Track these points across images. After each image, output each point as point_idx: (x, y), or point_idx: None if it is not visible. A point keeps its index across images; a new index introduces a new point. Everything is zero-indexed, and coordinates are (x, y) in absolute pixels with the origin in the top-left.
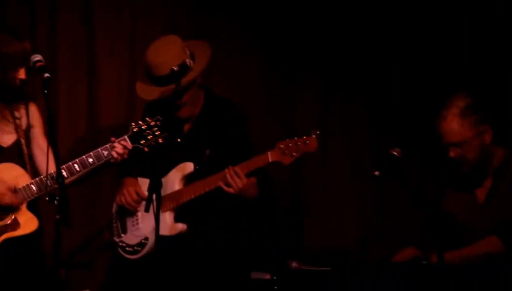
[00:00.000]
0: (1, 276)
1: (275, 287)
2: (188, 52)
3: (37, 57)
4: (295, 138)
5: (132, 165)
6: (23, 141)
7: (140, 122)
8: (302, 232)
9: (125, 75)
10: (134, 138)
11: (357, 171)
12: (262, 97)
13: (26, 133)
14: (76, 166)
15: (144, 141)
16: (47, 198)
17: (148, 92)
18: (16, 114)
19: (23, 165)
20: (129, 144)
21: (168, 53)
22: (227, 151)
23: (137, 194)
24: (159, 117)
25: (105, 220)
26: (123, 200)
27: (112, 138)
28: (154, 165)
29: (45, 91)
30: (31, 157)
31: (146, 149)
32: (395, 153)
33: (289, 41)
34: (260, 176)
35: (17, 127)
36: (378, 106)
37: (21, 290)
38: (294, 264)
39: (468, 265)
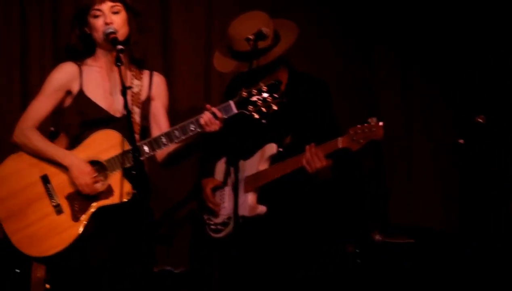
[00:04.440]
0: (97, 244)
1: (358, 260)
2: (272, 28)
3: (110, 29)
4: (364, 125)
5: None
6: (137, 110)
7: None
8: (386, 205)
9: (200, 50)
10: (242, 104)
11: (441, 143)
12: (338, 70)
13: (144, 105)
14: (176, 132)
15: (252, 107)
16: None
17: (223, 63)
18: (136, 82)
19: (131, 137)
20: (218, 113)
21: (248, 26)
22: (314, 130)
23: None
24: (274, 82)
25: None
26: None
27: (207, 105)
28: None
29: (118, 64)
30: (145, 129)
31: (255, 115)
32: (480, 120)
33: (365, 11)
34: (343, 158)
35: (132, 96)
36: (459, 75)
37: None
38: (377, 237)
39: None
